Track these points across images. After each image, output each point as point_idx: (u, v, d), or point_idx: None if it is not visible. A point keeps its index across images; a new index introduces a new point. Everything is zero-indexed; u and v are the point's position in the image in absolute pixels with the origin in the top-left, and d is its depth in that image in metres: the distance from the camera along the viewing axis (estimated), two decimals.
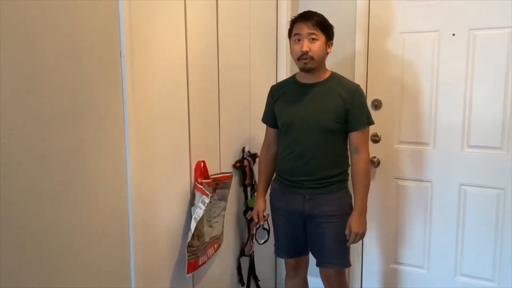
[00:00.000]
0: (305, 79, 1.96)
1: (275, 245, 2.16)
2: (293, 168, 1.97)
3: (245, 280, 2.34)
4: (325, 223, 1.94)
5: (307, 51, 1.84)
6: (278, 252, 2.17)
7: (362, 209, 1.93)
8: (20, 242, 1.08)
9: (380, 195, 2.60)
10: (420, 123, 2.44)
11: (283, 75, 2.54)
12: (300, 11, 2.59)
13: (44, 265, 1.15)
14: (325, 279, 2.06)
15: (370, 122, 1.95)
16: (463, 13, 2.27)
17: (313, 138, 1.92)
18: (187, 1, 1.71)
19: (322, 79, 1.94)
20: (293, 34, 1.90)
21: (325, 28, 1.89)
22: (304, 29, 1.85)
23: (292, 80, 2.04)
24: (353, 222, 1.90)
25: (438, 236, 2.48)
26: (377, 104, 2.53)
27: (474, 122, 2.31)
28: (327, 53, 1.93)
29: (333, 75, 1.97)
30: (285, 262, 2.19)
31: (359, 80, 2.55)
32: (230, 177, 2.02)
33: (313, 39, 1.85)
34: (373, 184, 2.59)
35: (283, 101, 2.01)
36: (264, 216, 2.10)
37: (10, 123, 1.03)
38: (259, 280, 2.43)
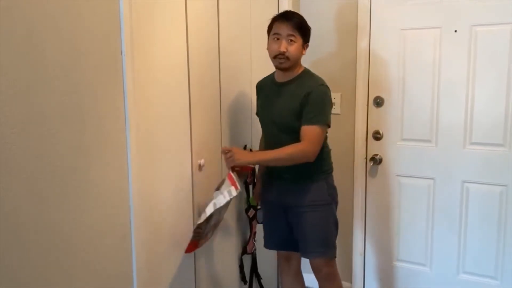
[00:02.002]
0: (280, 77, 2.02)
1: (264, 237, 2.23)
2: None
3: (247, 278, 2.34)
4: (304, 213, 1.99)
5: (284, 52, 1.89)
6: (265, 243, 2.23)
7: (257, 155, 1.99)
8: (21, 241, 1.08)
9: (382, 192, 2.59)
10: (422, 120, 2.44)
11: None
12: (302, 10, 2.61)
13: (46, 265, 1.16)
14: (313, 268, 2.09)
15: (320, 121, 1.88)
16: (464, 9, 2.26)
17: (280, 136, 1.97)
18: (188, 0, 1.71)
19: (291, 78, 1.99)
20: (272, 32, 1.95)
21: (304, 31, 1.93)
22: (284, 29, 1.90)
23: (271, 78, 2.10)
24: (243, 151, 1.93)
25: (440, 234, 2.47)
26: (379, 102, 2.52)
27: (476, 119, 2.30)
28: (302, 55, 1.98)
29: (303, 73, 2.00)
30: (278, 256, 2.27)
31: (360, 77, 2.55)
32: (251, 169, 2.03)
33: (291, 40, 1.90)
34: (375, 182, 2.60)
35: (261, 99, 2.11)
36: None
37: (11, 122, 1.03)
38: (261, 278, 2.43)
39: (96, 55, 1.28)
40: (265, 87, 2.10)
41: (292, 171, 1.98)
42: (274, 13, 2.52)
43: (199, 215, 1.77)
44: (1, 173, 1.01)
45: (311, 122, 1.87)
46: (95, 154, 1.30)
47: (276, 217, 2.11)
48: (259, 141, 2.35)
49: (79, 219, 1.25)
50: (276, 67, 1.99)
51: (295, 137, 1.91)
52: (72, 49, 1.20)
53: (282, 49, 1.89)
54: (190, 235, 1.72)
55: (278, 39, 1.91)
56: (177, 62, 1.69)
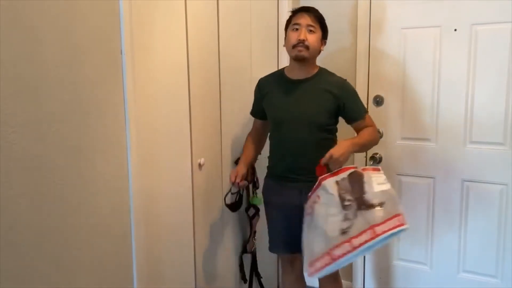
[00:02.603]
0: (295, 74, 1.98)
1: (269, 240, 2.16)
2: (287, 164, 1.99)
3: (247, 277, 2.35)
4: None
5: (304, 40, 1.87)
6: (272, 248, 2.17)
7: (353, 142, 1.85)
8: (21, 240, 1.08)
9: None
10: (422, 119, 2.43)
11: None
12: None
13: (46, 264, 1.16)
14: None
15: (366, 111, 2.03)
16: (464, 8, 2.26)
17: (305, 134, 1.94)
18: (187, 0, 1.71)
19: (310, 75, 1.97)
20: (291, 23, 1.93)
21: (323, 24, 1.94)
22: (305, 19, 1.89)
23: (280, 75, 2.04)
24: (336, 147, 1.81)
25: (441, 233, 2.47)
26: (379, 100, 2.52)
27: (476, 117, 2.30)
28: (320, 50, 1.97)
29: (321, 71, 2.00)
30: (281, 258, 2.22)
31: (360, 76, 2.54)
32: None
33: (311, 31, 1.89)
34: None
35: (273, 97, 2.02)
36: (239, 182, 2.04)
37: (11, 121, 1.03)
38: (261, 277, 2.43)
39: (96, 55, 1.29)
40: (274, 85, 2.03)
41: (306, 171, 1.92)
42: (274, 13, 2.53)
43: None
44: (1, 171, 1.01)
45: (363, 114, 1.98)
46: (95, 152, 1.30)
47: (287, 220, 2.01)
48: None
49: (79, 217, 1.25)
50: (295, 58, 1.93)
51: (320, 135, 1.93)
52: (72, 48, 1.20)
53: (302, 37, 1.86)
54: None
55: (297, 29, 1.89)
56: (177, 61, 1.69)
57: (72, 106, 1.21)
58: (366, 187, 1.71)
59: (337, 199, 1.72)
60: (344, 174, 1.74)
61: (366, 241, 1.64)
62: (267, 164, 2.14)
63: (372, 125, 2.00)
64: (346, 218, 1.68)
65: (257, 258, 2.40)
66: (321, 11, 1.98)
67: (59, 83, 1.16)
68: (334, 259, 1.67)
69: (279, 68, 2.56)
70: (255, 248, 2.36)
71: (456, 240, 2.43)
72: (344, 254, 1.66)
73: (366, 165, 2.59)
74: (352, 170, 1.75)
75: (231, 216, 2.19)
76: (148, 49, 1.52)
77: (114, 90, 1.37)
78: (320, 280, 2.11)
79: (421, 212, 2.50)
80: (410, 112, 2.46)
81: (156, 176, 1.60)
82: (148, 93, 1.52)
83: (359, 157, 2.60)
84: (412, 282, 2.58)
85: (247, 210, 2.29)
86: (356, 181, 1.73)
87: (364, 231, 1.65)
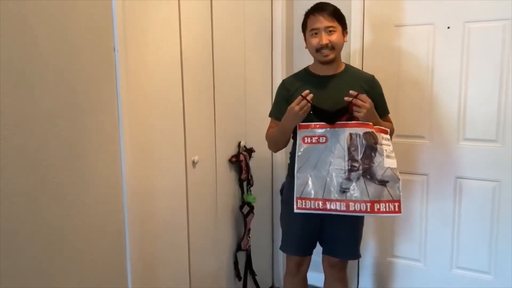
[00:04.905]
0: (322, 71, 1.92)
1: (284, 240, 2.11)
2: None
3: (241, 274, 2.35)
4: (346, 216, 1.79)
5: (327, 44, 1.82)
6: (286, 248, 2.11)
7: (377, 118, 1.84)
8: (15, 239, 1.08)
9: None
10: (416, 116, 2.44)
11: (279, 71, 2.54)
12: (295, 6, 2.60)
13: (39, 263, 1.15)
14: (329, 265, 2.06)
15: (389, 110, 2.05)
16: (458, 6, 2.27)
17: None
18: None
19: (339, 71, 1.93)
20: (309, 28, 1.87)
21: (341, 17, 1.88)
22: (322, 22, 1.82)
23: (305, 73, 1.98)
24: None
25: (434, 229, 2.49)
26: None
27: (469, 115, 2.31)
28: (345, 42, 1.91)
29: (348, 67, 1.99)
30: (289, 259, 2.12)
31: None
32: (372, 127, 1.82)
33: (331, 31, 1.83)
34: None
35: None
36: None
37: (5, 119, 1.03)
38: (256, 275, 2.44)
39: (89, 52, 1.28)
40: (301, 82, 1.92)
41: None
42: (268, 12, 2.53)
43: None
44: None
45: (387, 112, 2.02)
46: (89, 150, 1.29)
47: (306, 223, 1.95)
48: (253, 136, 2.35)
49: (73, 216, 1.25)
50: (322, 62, 1.88)
51: None
52: (66, 45, 1.20)
53: (325, 41, 1.81)
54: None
55: (316, 33, 1.84)
56: (170, 58, 1.68)
57: (65, 103, 1.20)
58: (377, 158, 1.73)
59: (346, 154, 1.74)
60: (360, 131, 1.74)
61: (361, 211, 1.71)
62: (287, 162, 2.06)
63: (392, 123, 2.02)
64: (348, 178, 1.72)
65: (252, 256, 2.41)
66: None
67: (53, 81, 1.16)
68: (325, 210, 1.74)
69: (273, 67, 2.58)
70: (249, 246, 2.36)
71: (449, 237, 2.45)
72: (337, 210, 1.72)
73: None
74: (368, 129, 1.74)
75: (225, 213, 2.19)
76: (142, 46, 1.51)
77: (107, 88, 1.36)
78: (326, 279, 2.11)
79: (415, 209, 2.52)
80: (404, 109, 2.47)
81: (149, 174, 1.59)
82: (141, 90, 1.52)
83: None
84: (406, 279, 2.60)
85: (241, 208, 2.29)
86: (369, 145, 1.73)
87: (363, 201, 1.70)
